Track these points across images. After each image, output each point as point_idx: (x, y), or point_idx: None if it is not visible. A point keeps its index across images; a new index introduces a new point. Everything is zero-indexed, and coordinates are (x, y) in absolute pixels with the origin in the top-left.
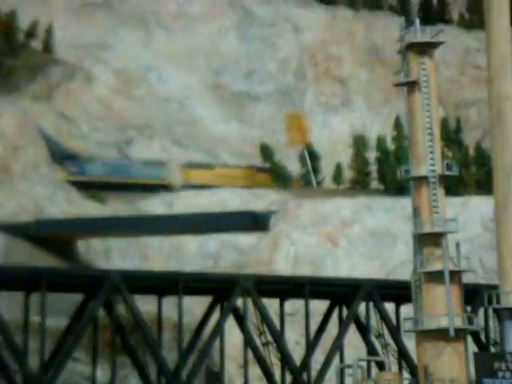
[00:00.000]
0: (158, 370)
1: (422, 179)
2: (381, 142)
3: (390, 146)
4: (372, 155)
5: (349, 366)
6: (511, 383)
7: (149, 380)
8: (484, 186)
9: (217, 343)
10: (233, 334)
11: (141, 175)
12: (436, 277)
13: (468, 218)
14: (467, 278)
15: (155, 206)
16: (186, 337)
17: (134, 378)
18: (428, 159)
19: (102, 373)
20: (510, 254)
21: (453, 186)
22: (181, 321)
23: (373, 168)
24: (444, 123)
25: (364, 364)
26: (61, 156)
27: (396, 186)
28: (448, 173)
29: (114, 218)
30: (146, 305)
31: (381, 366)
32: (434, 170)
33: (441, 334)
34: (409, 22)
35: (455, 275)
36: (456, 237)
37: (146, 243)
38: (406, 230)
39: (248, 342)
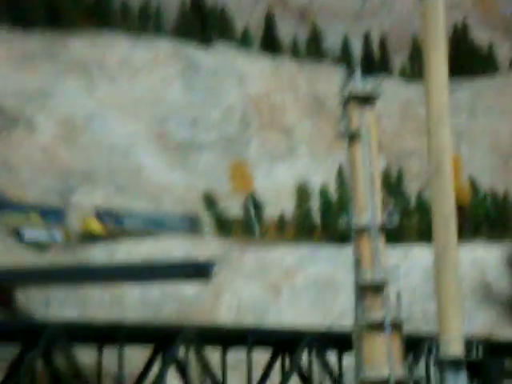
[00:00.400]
0: None
1: (363, 229)
2: (324, 191)
3: (333, 195)
4: (316, 204)
5: None
6: None
7: None
8: (425, 235)
9: None
10: None
11: (176, 227)
12: (377, 327)
13: (410, 266)
14: (409, 328)
15: (95, 254)
16: None
17: None
18: (369, 210)
19: None
20: (449, 302)
21: (394, 236)
22: (121, 371)
23: (316, 217)
24: (386, 173)
25: None
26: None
27: (339, 235)
28: (389, 223)
29: (53, 267)
30: (85, 355)
31: None
32: (374, 221)
33: None
34: (350, 73)
35: (396, 325)
36: (398, 286)
37: (86, 292)
38: (349, 278)
39: None
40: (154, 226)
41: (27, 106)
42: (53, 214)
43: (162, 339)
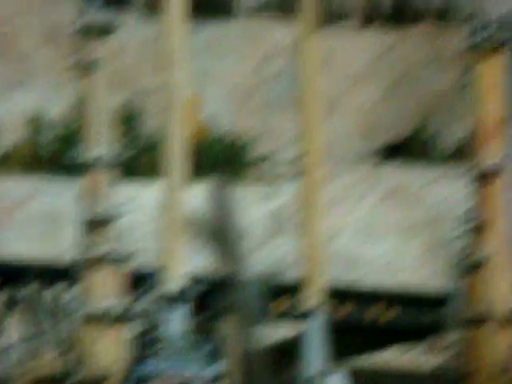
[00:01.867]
0: None
1: (92, 163)
2: (58, 123)
3: (68, 127)
4: (49, 136)
5: (8, 349)
6: (161, 367)
7: None
8: (158, 173)
9: None
10: None
11: None
12: (99, 261)
13: (141, 204)
14: (137, 264)
15: None
16: None
17: None
18: (97, 144)
19: None
20: (172, 240)
21: (127, 172)
22: None
23: (48, 149)
24: (123, 110)
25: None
26: None
27: (69, 169)
28: (118, 158)
29: None
30: None
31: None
32: (102, 155)
33: (101, 319)
34: (89, 2)
35: (119, 260)
36: (125, 222)
37: None
38: (77, 212)
39: None
40: None
41: None
42: None
43: None
